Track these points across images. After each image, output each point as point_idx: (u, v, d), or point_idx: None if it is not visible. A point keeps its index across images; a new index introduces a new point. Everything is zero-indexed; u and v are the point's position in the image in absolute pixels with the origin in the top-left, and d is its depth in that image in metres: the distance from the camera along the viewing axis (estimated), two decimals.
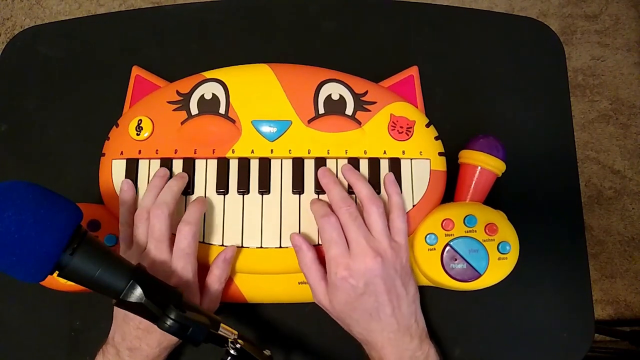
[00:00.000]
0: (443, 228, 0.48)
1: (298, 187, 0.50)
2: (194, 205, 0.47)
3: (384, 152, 0.51)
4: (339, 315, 0.46)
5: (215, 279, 0.47)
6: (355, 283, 0.43)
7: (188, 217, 0.46)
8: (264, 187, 0.50)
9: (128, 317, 0.44)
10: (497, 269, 0.47)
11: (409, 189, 0.51)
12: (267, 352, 0.41)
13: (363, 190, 0.47)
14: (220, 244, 0.49)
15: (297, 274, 0.49)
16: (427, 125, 0.53)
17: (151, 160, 0.51)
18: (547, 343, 0.53)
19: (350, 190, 0.49)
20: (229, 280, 0.50)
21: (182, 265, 0.45)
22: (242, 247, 0.49)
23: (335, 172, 0.51)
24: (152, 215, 0.45)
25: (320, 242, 0.48)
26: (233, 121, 0.52)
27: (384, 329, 0.44)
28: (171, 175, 0.50)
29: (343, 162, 0.51)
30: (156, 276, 0.42)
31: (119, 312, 0.46)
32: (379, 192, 0.50)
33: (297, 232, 0.49)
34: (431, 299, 0.53)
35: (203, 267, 0.48)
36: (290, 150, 0.51)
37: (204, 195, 0.50)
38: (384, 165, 0.51)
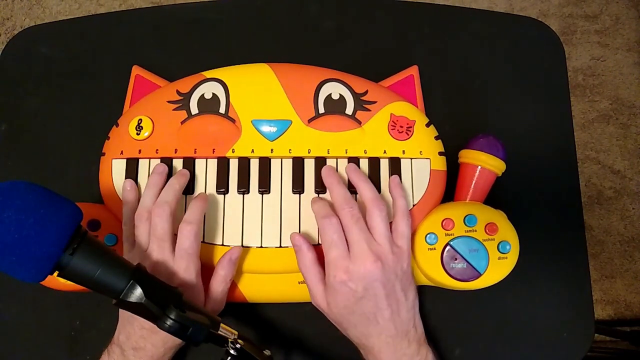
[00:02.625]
0: (443, 228, 0.48)
1: (298, 186, 0.50)
2: (195, 204, 0.47)
3: (384, 152, 0.51)
4: (336, 318, 0.46)
5: (220, 280, 0.47)
6: (354, 287, 0.43)
7: (189, 217, 0.46)
8: (264, 187, 0.50)
9: (132, 317, 0.44)
10: (497, 269, 0.47)
11: (409, 188, 0.51)
12: (267, 352, 0.41)
13: (367, 192, 0.47)
14: (221, 243, 0.49)
15: (297, 273, 0.49)
16: (427, 125, 0.53)
17: (151, 160, 0.51)
18: (547, 343, 0.53)
19: (352, 190, 0.49)
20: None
21: (185, 265, 0.44)
22: (242, 246, 0.49)
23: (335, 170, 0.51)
24: (154, 214, 0.45)
25: (320, 242, 0.48)
26: (233, 121, 0.52)
27: (382, 333, 0.44)
28: (171, 173, 0.50)
29: (343, 162, 0.51)
30: (159, 277, 0.42)
31: (124, 313, 0.46)
32: (379, 191, 0.50)
33: (297, 231, 0.49)
34: (431, 299, 0.53)
35: (204, 267, 0.48)
36: (290, 149, 0.51)
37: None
38: (384, 165, 0.51)
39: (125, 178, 0.50)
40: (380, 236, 0.45)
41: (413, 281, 0.47)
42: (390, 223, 0.47)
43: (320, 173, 0.50)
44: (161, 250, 0.44)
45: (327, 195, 0.50)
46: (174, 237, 0.46)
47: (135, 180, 0.50)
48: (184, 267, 0.44)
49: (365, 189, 0.47)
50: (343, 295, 0.44)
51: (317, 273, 0.46)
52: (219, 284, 0.47)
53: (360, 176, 0.48)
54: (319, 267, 0.46)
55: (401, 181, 0.50)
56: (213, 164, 0.51)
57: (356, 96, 0.53)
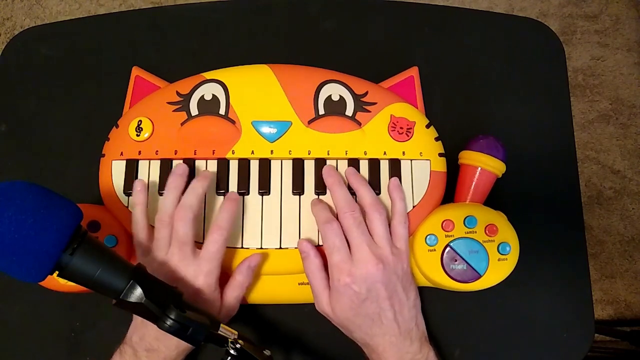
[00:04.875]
0: (443, 229, 0.48)
1: (298, 187, 0.50)
2: (226, 207, 0.47)
3: (384, 153, 0.51)
4: (341, 322, 0.46)
5: (237, 285, 0.47)
6: (357, 289, 0.44)
7: (221, 221, 0.46)
8: (264, 188, 0.50)
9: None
10: (497, 270, 0.47)
11: (409, 189, 0.51)
12: (267, 352, 0.41)
13: (366, 196, 0.47)
14: None
15: (297, 274, 0.49)
16: (427, 126, 0.53)
17: (151, 161, 0.51)
18: (547, 343, 0.53)
19: (350, 189, 0.49)
20: None
21: (208, 268, 0.44)
22: (242, 247, 0.49)
23: None
24: (177, 218, 0.45)
25: (321, 243, 0.48)
26: (233, 122, 0.52)
27: (386, 333, 0.45)
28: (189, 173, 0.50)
29: (343, 163, 0.51)
30: (180, 279, 0.42)
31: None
32: (378, 193, 0.50)
33: (297, 232, 0.49)
34: (431, 300, 0.53)
35: None
36: (290, 151, 0.51)
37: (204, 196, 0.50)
38: (384, 166, 0.51)
39: (125, 179, 0.50)
40: (380, 239, 0.46)
41: (413, 281, 0.48)
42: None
43: (320, 174, 0.50)
44: (183, 253, 0.44)
45: (326, 196, 0.50)
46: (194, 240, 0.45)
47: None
48: (207, 271, 0.44)
49: (364, 193, 0.48)
50: (347, 298, 0.44)
51: (323, 279, 0.46)
52: (234, 289, 0.47)
53: (359, 180, 0.49)
54: (324, 273, 0.47)
55: (401, 183, 0.50)
56: (213, 165, 0.51)
57: (356, 97, 0.53)
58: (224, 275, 0.48)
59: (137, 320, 0.46)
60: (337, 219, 0.47)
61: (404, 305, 0.46)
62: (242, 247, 0.49)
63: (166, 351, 0.44)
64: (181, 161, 0.50)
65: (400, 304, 0.45)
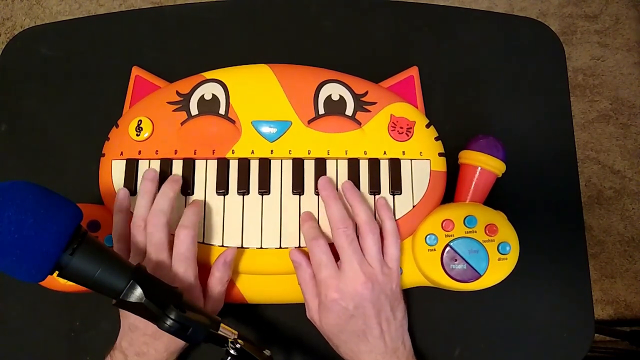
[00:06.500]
0: (443, 229, 0.48)
1: (298, 187, 0.50)
2: (190, 209, 0.47)
3: (384, 153, 0.51)
4: (327, 334, 0.47)
5: (216, 282, 0.47)
6: (345, 305, 0.44)
7: (185, 222, 0.46)
8: (264, 188, 0.50)
9: (134, 325, 0.45)
10: (497, 270, 0.47)
11: (409, 189, 0.51)
12: (267, 352, 0.41)
13: (361, 214, 0.47)
14: (220, 244, 0.49)
15: None
16: (427, 126, 0.53)
17: (151, 161, 0.51)
18: (547, 343, 0.53)
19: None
20: (229, 281, 0.50)
21: (184, 269, 0.45)
22: (242, 247, 0.49)
23: (335, 171, 0.51)
24: (150, 223, 0.45)
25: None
26: (233, 122, 0.52)
27: (372, 351, 0.45)
28: (167, 175, 0.50)
29: (343, 163, 0.51)
30: None
31: (125, 321, 0.46)
32: (378, 192, 0.50)
33: (297, 232, 0.49)
34: (431, 299, 0.53)
35: (204, 268, 0.48)
36: (290, 150, 0.51)
37: (203, 195, 0.50)
38: (384, 166, 0.51)
39: (125, 179, 0.50)
40: (371, 258, 0.46)
41: (402, 300, 0.48)
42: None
43: (320, 174, 0.50)
44: (159, 257, 0.45)
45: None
46: (171, 243, 0.46)
47: (135, 181, 0.50)
48: (183, 271, 0.45)
49: (360, 210, 0.47)
50: (335, 314, 0.45)
51: (314, 287, 0.47)
52: (215, 286, 0.47)
53: (355, 196, 0.49)
54: (316, 281, 0.47)
55: (400, 181, 0.50)
56: (213, 165, 0.51)
57: (356, 97, 0.53)
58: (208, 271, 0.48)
59: (125, 326, 0.46)
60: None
61: (391, 324, 0.46)
62: (242, 247, 0.49)
63: (155, 354, 0.45)
64: (181, 161, 0.51)
65: (388, 322, 0.46)
